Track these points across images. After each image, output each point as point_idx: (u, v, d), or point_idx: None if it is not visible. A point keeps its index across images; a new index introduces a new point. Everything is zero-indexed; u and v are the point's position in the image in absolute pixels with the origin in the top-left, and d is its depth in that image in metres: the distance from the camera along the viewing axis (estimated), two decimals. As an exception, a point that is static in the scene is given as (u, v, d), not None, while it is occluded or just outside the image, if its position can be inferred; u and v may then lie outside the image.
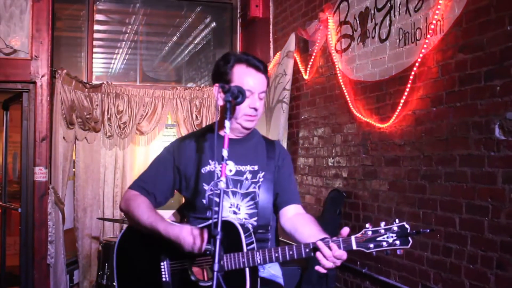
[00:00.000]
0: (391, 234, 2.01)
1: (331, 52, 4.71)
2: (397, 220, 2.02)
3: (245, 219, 2.43)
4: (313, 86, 5.13)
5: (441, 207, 3.34)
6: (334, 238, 2.07)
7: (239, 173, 2.45)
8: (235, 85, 2.31)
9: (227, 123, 2.16)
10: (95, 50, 7.05)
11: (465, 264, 3.12)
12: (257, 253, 2.16)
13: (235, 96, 2.30)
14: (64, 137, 5.67)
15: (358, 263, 4.23)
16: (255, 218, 2.44)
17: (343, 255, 2.04)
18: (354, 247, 2.04)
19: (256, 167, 2.48)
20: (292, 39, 5.50)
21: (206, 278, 2.33)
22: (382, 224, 2.03)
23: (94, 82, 6.68)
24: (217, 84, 2.29)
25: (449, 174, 3.27)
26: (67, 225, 6.01)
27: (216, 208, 2.10)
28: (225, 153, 2.12)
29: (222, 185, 2.07)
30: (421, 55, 3.49)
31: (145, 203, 2.46)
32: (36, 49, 5.34)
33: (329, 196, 4.64)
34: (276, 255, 2.14)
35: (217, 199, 2.38)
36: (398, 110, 3.72)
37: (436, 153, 3.39)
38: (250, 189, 2.45)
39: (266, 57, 6.22)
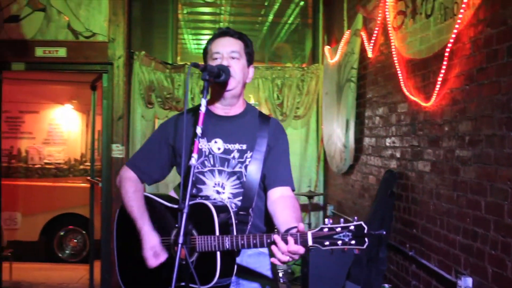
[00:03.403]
0: (347, 233, 1.94)
1: (388, 30, 4.59)
2: (356, 219, 1.94)
3: (229, 198, 2.45)
4: (376, 65, 5.02)
5: (470, 190, 3.19)
6: (293, 232, 2.05)
7: (227, 151, 2.46)
8: (216, 64, 2.39)
9: (203, 101, 2.25)
10: (184, 31, 7.35)
11: (488, 250, 2.98)
12: (226, 238, 2.20)
13: (216, 75, 2.36)
14: (142, 116, 6.01)
15: (407, 245, 4.14)
16: (240, 198, 2.45)
17: (299, 249, 2.00)
18: (310, 243, 1.99)
19: (244, 146, 2.47)
20: (359, 17, 5.40)
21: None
22: (341, 221, 1.97)
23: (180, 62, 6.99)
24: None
25: (477, 156, 3.12)
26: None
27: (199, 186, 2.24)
28: (198, 130, 2.20)
29: (193, 161, 2.18)
30: (455, 31, 3.33)
31: (131, 190, 2.53)
32: (113, 32, 5.73)
33: (383, 177, 4.56)
34: (242, 242, 2.16)
35: (201, 177, 2.49)
36: (437, 89, 3.58)
37: (467, 133, 3.24)
38: (237, 169, 2.46)
39: (341, 36, 6.15)
